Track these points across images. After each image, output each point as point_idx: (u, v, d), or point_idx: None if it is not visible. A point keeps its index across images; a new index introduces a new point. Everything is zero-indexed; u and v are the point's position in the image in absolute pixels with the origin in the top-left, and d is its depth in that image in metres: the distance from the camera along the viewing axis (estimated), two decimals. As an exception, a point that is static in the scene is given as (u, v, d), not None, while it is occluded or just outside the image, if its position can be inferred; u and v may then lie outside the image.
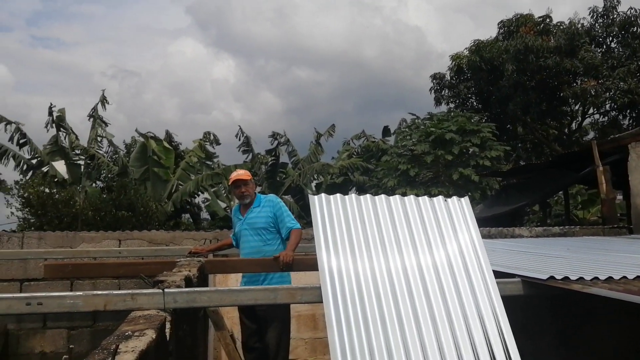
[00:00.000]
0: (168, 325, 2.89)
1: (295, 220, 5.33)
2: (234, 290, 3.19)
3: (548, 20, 20.71)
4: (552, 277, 3.21)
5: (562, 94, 19.86)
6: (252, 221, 5.29)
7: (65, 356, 1.42)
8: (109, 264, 5.94)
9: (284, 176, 23.82)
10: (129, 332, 2.46)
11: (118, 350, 2.13)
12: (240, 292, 3.18)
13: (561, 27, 20.12)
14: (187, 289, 3.23)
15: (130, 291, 3.01)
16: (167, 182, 19.51)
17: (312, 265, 4.76)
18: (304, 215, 23.26)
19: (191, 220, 22.20)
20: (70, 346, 1.86)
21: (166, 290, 3.03)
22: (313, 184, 24.94)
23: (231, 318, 6.82)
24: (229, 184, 5.45)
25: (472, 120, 18.37)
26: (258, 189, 22.65)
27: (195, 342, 4.81)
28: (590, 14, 20.33)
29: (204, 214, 23.92)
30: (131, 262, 5.93)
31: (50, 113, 19.93)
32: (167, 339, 2.85)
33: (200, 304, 3.12)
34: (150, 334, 2.41)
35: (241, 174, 5.42)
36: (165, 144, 20.42)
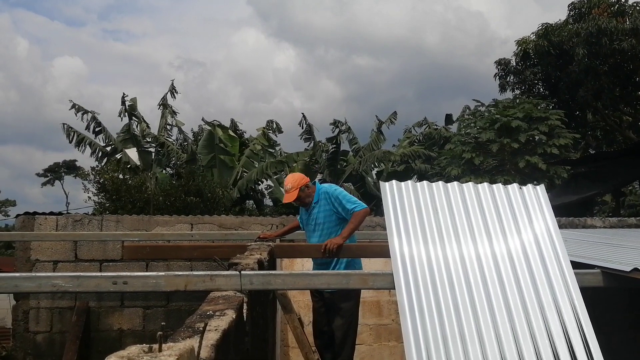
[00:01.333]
0: (245, 307, 3.00)
1: (357, 201, 5.23)
2: (307, 274, 3.26)
3: (624, 0, 19.74)
4: (636, 269, 3.08)
5: (638, 79, 18.93)
6: (314, 217, 5.30)
7: (159, 332, 1.51)
8: (184, 247, 6.17)
9: (345, 164, 23.85)
10: (210, 311, 2.56)
11: (205, 328, 2.23)
12: (313, 275, 3.25)
13: (638, 7, 19.10)
14: (262, 272, 3.32)
15: (209, 272, 3.12)
16: (232, 169, 19.98)
17: (377, 252, 4.79)
18: (365, 202, 23.24)
19: (255, 206, 22.61)
20: (163, 323, 1.95)
21: (243, 272, 3.13)
22: (374, 172, 24.88)
23: (298, 302, 6.96)
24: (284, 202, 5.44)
25: (539, 107, 17.82)
26: (319, 177, 22.81)
27: (267, 323, 4.94)
28: (670, -9, 19.19)
29: (267, 201, 24.34)
30: (204, 245, 6.16)
31: (123, 102, 20.77)
32: (245, 319, 2.95)
33: (275, 286, 3.21)
34: (231, 314, 2.51)
35: (288, 196, 5.27)
36: (231, 132, 20.93)
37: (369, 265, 5.87)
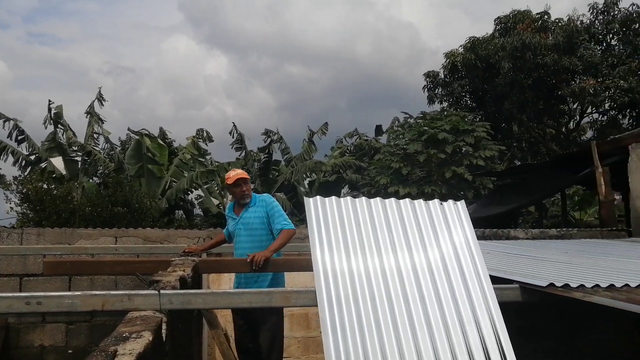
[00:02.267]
0: (164, 327, 2.90)
1: (288, 220, 5.28)
2: (228, 293, 3.20)
3: (546, 16, 20.54)
4: (552, 285, 3.18)
5: (559, 93, 19.70)
6: (247, 221, 5.27)
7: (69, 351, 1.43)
8: (106, 262, 5.97)
9: (277, 174, 23.82)
10: (127, 333, 2.46)
11: (116, 353, 2.14)
12: (234, 294, 3.19)
13: (560, 24, 19.92)
14: (182, 291, 3.24)
15: (127, 292, 3.02)
16: (161, 179, 19.56)
17: (305, 265, 4.78)
18: (297, 212, 23.27)
19: (184, 216, 22.21)
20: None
21: (162, 291, 3.04)
22: (306, 182, 24.96)
23: (225, 316, 6.84)
24: (229, 183, 5.35)
25: (466, 119, 18.39)
26: (251, 186, 22.62)
27: (190, 341, 4.82)
28: (589, 10, 20.13)
29: (197, 211, 23.95)
30: (127, 260, 5.96)
31: (49, 109, 20.04)
32: (164, 339, 2.86)
33: (195, 305, 3.13)
34: (147, 336, 2.42)
35: (241, 172, 5.41)
36: (159, 141, 20.49)
37: (298, 278, 5.85)
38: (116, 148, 22.77)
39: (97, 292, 3.06)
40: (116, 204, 14.72)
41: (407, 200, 3.77)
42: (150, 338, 2.42)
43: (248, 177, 5.42)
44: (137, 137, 20.17)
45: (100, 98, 21.93)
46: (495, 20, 21.35)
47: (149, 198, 16.63)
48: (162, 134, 22.62)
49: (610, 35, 20.19)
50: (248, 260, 4.71)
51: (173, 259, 4.96)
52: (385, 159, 18.30)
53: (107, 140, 22.52)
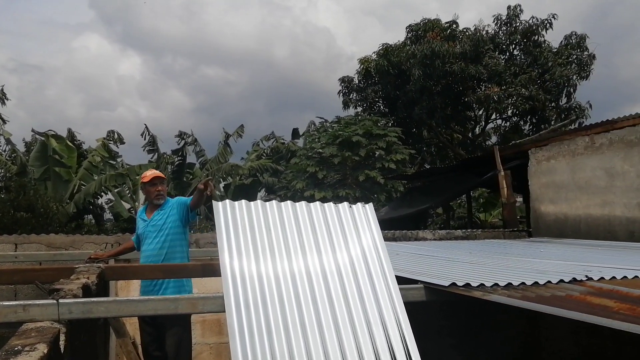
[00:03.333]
0: (62, 338, 2.76)
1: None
2: (132, 300, 3.08)
3: (454, 26, 21.44)
4: (453, 284, 3.29)
5: (466, 99, 20.56)
6: (158, 223, 5.14)
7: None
8: (4, 270, 5.58)
9: (191, 177, 23.41)
10: (19, 346, 2.34)
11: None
12: (139, 302, 3.07)
13: (467, 33, 20.85)
14: (83, 299, 3.09)
15: (22, 302, 2.84)
16: (68, 182, 18.73)
17: (217, 271, 4.69)
18: (211, 217, 22.88)
19: (94, 221, 21.40)
20: None
21: (61, 300, 2.89)
22: (221, 185, 24.66)
23: (133, 324, 6.61)
24: (145, 181, 5.21)
25: (379, 124, 18.82)
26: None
27: (95, 351, 4.62)
28: (494, 21, 21.21)
29: (108, 215, 23.14)
30: (27, 268, 5.62)
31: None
32: (62, 351, 2.72)
33: (97, 314, 2.99)
34: (42, 349, 2.30)
35: (158, 172, 5.32)
36: (68, 143, 19.60)
37: (210, 283, 5.74)
38: (18, 150, 21.60)
39: (-11, 304, 2.86)
40: (19, 209, 14.00)
41: (318, 203, 3.79)
42: (45, 351, 2.30)
43: (164, 177, 5.33)
44: (42, 139, 19.20)
45: (2, 97, 20.74)
46: (407, 28, 22.01)
47: (56, 202, 15.95)
48: (71, 135, 21.68)
49: (513, 46, 21.31)
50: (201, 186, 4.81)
51: (77, 266, 4.73)
52: (301, 163, 18.42)
53: (7, 141, 21.30)
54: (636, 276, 3.72)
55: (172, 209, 5.18)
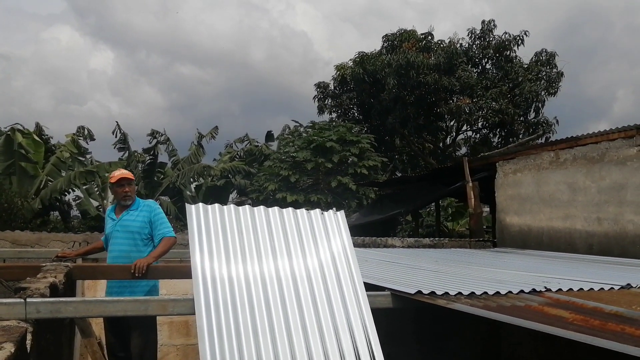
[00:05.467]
0: (29, 337, 2.76)
1: (171, 228, 5.18)
2: (101, 301, 3.10)
3: (430, 37, 21.66)
4: (419, 292, 3.40)
5: (438, 110, 20.80)
6: (127, 223, 5.10)
7: None
8: (-35, 267, 5.50)
9: (162, 176, 23.20)
10: (-16, 346, 2.34)
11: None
12: (108, 302, 3.09)
13: (441, 45, 21.09)
14: (51, 299, 3.10)
15: (-13, 300, 2.84)
16: (35, 178, 18.37)
17: (186, 272, 4.71)
18: (182, 217, 22.70)
19: (60, 218, 21.04)
20: None
21: (28, 299, 2.89)
22: (193, 186, 24.50)
23: (99, 324, 6.57)
24: (112, 181, 5.17)
25: (353, 131, 18.94)
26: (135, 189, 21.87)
27: (60, 350, 4.59)
28: (468, 34, 21.45)
29: (75, 212, 22.79)
30: (-10, 266, 5.52)
31: None
32: (28, 351, 2.72)
33: (65, 314, 3.00)
34: (9, 348, 2.31)
35: (126, 172, 5.25)
36: (35, 137, 19.19)
37: (180, 284, 5.75)
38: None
39: (-48, 301, 2.85)
40: (-20, 203, 13.71)
41: (290, 209, 3.85)
42: (12, 350, 2.31)
43: (133, 177, 5.26)
44: (7, 132, 18.78)
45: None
46: (383, 38, 22.20)
47: (21, 198, 15.63)
48: (39, 129, 21.27)
49: (486, 60, 21.65)
50: (132, 270, 4.59)
51: (44, 265, 4.70)
52: (274, 166, 18.43)
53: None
54: (592, 288, 3.87)
55: (142, 211, 5.13)
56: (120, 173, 5.21)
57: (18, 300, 2.87)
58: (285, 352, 2.96)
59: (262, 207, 3.83)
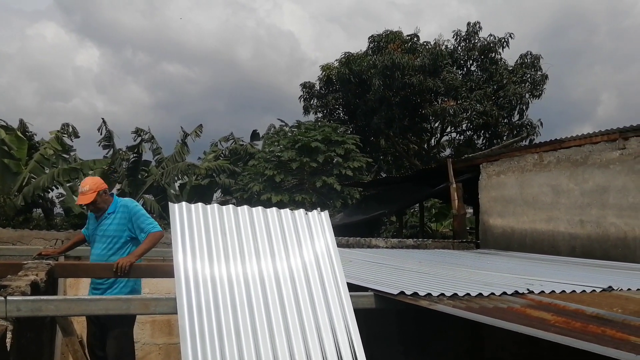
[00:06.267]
0: (9, 335, 2.73)
1: (154, 222, 5.12)
2: (83, 300, 3.07)
3: (415, 39, 21.73)
4: (402, 293, 3.41)
5: (423, 111, 20.85)
6: (104, 228, 5.04)
7: None
8: (-56, 264, 5.42)
9: (146, 174, 23.02)
10: (-37, 343, 2.31)
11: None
12: (90, 301, 3.07)
13: (427, 46, 21.16)
14: (32, 297, 3.06)
15: (-33, 298, 2.80)
16: (17, 175, 18.15)
17: (169, 271, 4.69)
18: (165, 216, 22.55)
19: (43, 215, 20.83)
20: None
21: (9, 298, 2.86)
22: (177, 184, 24.36)
23: (81, 322, 6.51)
24: (80, 204, 5.13)
25: (338, 131, 18.96)
26: (117, 187, 21.70)
27: (41, 349, 4.55)
28: (454, 36, 21.58)
29: (58, 210, 22.56)
30: (-30, 263, 5.44)
31: None
32: (8, 349, 2.69)
33: (46, 313, 2.97)
34: (-12, 346, 2.28)
35: (83, 197, 4.99)
36: (18, 134, 18.99)
37: (162, 283, 5.72)
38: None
39: None
40: (-38, 199, 13.52)
41: (274, 209, 3.84)
42: (-8, 348, 2.28)
43: (94, 194, 4.98)
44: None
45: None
46: (369, 38, 22.23)
47: (3, 195, 15.44)
48: (23, 126, 21.05)
49: (471, 62, 21.76)
50: (114, 269, 4.54)
51: (25, 262, 4.66)
52: (259, 165, 18.39)
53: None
54: (574, 290, 3.90)
55: (118, 213, 5.05)
56: (78, 199, 5.09)
57: (-2, 298, 2.84)
58: (268, 353, 2.95)
59: (245, 207, 3.82)
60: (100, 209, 5.06)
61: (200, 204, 3.71)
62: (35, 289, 3.66)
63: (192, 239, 3.41)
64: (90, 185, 5.02)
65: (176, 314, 2.96)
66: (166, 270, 4.77)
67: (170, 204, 3.67)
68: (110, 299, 3.10)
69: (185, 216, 3.56)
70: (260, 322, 3.07)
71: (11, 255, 6.34)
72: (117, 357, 4.90)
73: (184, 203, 3.67)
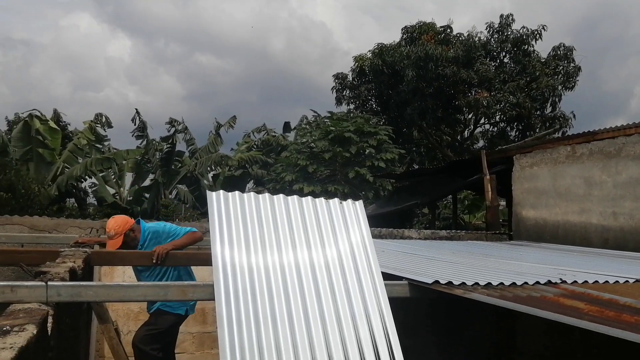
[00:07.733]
0: (50, 320, 2.80)
1: (192, 229, 5.22)
2: (122, 286, 3.12)
3: (449, 30, 21.52)
4: (436, 282, 3.39)
5: (457, 103, 20.69)
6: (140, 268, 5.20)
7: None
8: (-14, 250, 5.58)
9: (180, 165, 23.31)
10: (8, 327, 2.34)
11: (-5, 347, 2.06)
12: (128, 287, 3.12)
13: (460, 38, 20.96)
14: (72, 283, 3.14)
15: (10, 283, 2.85)
16: (51, 164, 18.52)
17: (204, 260, 4.76)
18: (199, 206, 22.84)
19: (76, 205, 21.24)
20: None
21: (50, 283, 2.94)
22: (210, 175, 24.62)
23: (117, 310, 6.67)
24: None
25: (370, 122, 18.88)
26: (151, 177, 21.99)
27: (78, 335, 4.66)
28: (487, 28, 21.35)
29: (91, 199, 22.99)
30: (9, 250, 5.55)
31: None
32: (49, 333, 2.77)
33: (85, 298, 3.03)
34: (31, 330, 2.32)
35: (112, 243, 5.01)
36: (52, 124, 19.35)
37: (198, 272, 5.80)
38: (0, 130, 21.28)
39: (-25, 284, 2.89)
40: (-1, 188, 13.84)
41: (309, 198, 3.84)
42: (35, 332, 2.32)
43: (121, 234, 5.00)
44: (25, 118, 18.94)
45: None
46: (402, 30, 22.06)
47: (38, 184, 15.77)
48: (57, 116, 21.46)
49: (504, 54, 21.48)
50: (153, 258, 4.63)
51: (63, 250, 4.76)
52: (291, 156, 18.44)
53: (-12, 119, 21.02)
54: (607, 281, 3.85)
55: (154, 243, 5.04)
56: (109, 244, 5.05)
57: (40, 283, 2.91)
58: (304, 341, 2.96)
59: (281, 196, 3.81)
60: (132, 246, 5.09)
61: (237, 192, 3.74)
62: (73, 275, 3.75)
63: (229, 226, 3.44)
64: (115, 229, 5.01)
65: (213, 300, 3.00)
66: (202, 259, 4.84)
67: (208, 192, 3.70)
68: (148, 285, 3.15)
69: (223, 204, 3.59)
70: (297, 310, 3.07)
71: (47, 243, 6.49)
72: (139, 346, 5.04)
73: (221, 191, 3.68)
